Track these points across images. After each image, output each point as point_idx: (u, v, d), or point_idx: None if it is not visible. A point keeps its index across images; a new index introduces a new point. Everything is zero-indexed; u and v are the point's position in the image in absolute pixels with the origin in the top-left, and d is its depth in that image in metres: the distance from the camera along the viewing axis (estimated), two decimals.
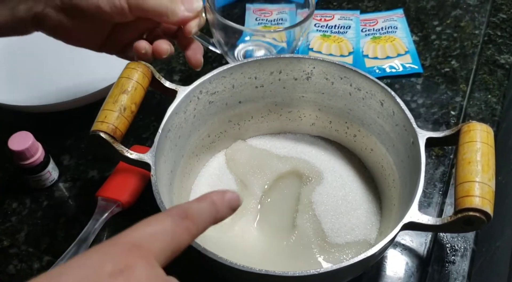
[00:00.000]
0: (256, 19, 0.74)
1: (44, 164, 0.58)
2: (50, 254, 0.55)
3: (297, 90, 0.58)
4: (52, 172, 0.60)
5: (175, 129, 0.52)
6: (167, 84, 0.53)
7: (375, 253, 0.42)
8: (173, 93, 0.53)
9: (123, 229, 0.57)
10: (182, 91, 0.53)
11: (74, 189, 0.61)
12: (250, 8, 0.80)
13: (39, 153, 0.58)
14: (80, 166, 0.63)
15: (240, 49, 0.69)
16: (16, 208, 0.59)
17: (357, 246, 0.52)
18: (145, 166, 0.47)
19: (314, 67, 0.56)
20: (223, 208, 0.36)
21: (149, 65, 0.52)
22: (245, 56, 0.68)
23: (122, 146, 0.48)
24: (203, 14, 0.55)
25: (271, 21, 0.74)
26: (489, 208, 0.41)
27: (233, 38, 0.66)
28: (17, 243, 0.56)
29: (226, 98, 0.57)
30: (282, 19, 0.74)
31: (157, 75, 0.53)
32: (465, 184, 0.42)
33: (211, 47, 0.67)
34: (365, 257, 0.41)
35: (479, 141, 0.44)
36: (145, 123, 0.67)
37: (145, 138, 0.65)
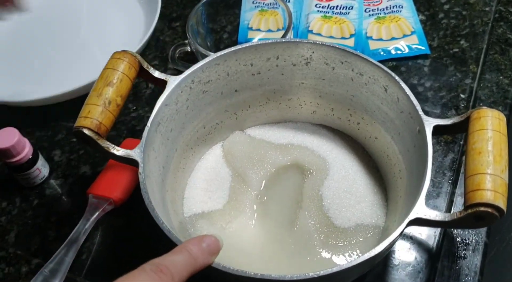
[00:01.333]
0: (253, 2, 0.70)
1: (32, 161, 0.56)
2: (40, 256, 0.53)
3: (296, 77, 0.55)
4: (42, 169, 0.58)
5: (166, 121, 0.49)
6: (156, 74, 0.50)
7: (378, 253, 0.39)
8: (163, 84, 0.50)
9: (116, 228, 0.55)
10: (173, 81, 0.49)
11: (65, 186, 0.59)
12: None
13: (27, 150, 0.55)
14: (72, 162, 0.60)
15: None
16: (5, 208, 0.57)
17: (362, 242, 0.49)
18: (133, 163, 0.45)
19: (313, 52, 0.52)
20: (201, 256, 0.37)
21: (136, 54, 0.49)
22: None
23: (108, 143, 0.45)
24: None
25: (268, 5, 0.70)
26: (502, 203, 0.37)
27: None
28: (6, 245, 0.54)
29: (220, 87, 0.54)
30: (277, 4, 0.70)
31: (145, 64, 0.50)
32: (475, 177, 0.38)
33: None
34: (368, 257, 0.38)
35: (490, 129, 0.41)
36: (138, 114, 0.64)
37: (139, 131, 0.62)
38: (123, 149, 0.45)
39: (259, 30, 0.69)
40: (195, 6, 0.63)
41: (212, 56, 0.51)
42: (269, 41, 0.52)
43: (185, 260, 0.36)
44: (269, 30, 0.69)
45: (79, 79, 0.61)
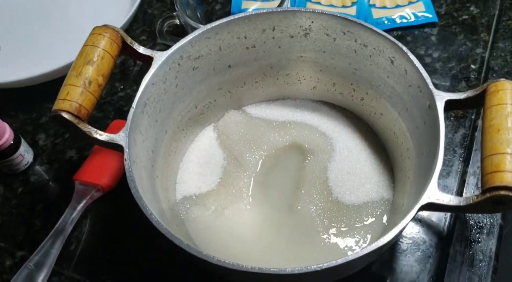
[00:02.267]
0: None
1: (14, 147, 0.52)
2: (25, 248, 0.50)
3: (294, 49, 0.51)
4: (25, 154, 0.54)
5: (154, 102, 0.46)
6: (141, 50, 0.46)
7: (386, 242, 0.35)
8: (149, 60, 0.46)
9: (104, 215, 0.52)
10: (159, 57, 0.45)
11: (51, 172, 0.55)
12: None
13: (7, 135, 0.51)
14: (57, 146, 0.57)
15: None
16: None
17: (368, 227, 0.46)
18: (118, 148, 0.41)
19: (312, 22, 0.48)
20: None
21: (119, 29, 0.45)
22: None
23: (90, 127, 0.41)
24: None
25: None
26: None
27: None
28: None
29: (212, 62, 0.50)
30: None
31: (128, 40, 0.45)
32: (494, 157, 0.35)
33: None
34: (375, 248, 0.35)
35: (510, 103, 0.37)
36: (126, 94, 0.60)
37: (127, 111, 0.58)
38: (106, 134, 0.41)
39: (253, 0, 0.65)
40: None
41: (202, 28, 0.47)
42: (264, 11, 0.48)
43: None
44: (264, 0, 0.64)
45: (62, 57, 0.57)
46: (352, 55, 0.48)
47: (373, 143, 0.51)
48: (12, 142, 0.52)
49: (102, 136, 0.41)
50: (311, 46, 0.50)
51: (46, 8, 0.69)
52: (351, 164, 0.49)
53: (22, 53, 0.65)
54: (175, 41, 0.56)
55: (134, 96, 0.58)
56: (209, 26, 0.47)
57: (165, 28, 0.58)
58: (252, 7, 0.64)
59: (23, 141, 0.54)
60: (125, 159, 0.40)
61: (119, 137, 0.41)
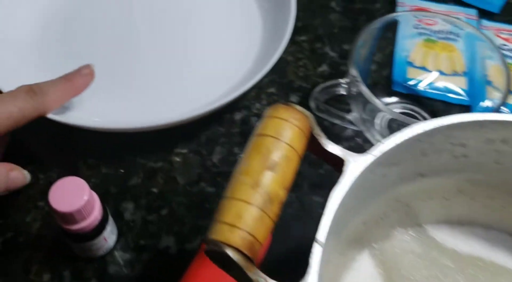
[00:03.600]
0: (415, 27, 0.51)
1: (98, 229, 0.37)
2: None
3: None
4: (108, 237, 0.39)
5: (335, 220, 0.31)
6: (330, 147, 0.31)
7: None
8: (337, 163, 0.31)
9: None
10: (353, 163, 0.30)
11: (137, 266, 0.40)
12: (404, 3, 0.56)
13: (95, 214, 0.36)
14: (150, 225, 0.42)
15: (383, 115, 0.45)
16: None
17: None
18: None
19: None
20: (80, 79, 0.42)
21: (308, 114, 0.30)
22: (389, 126, 0.45)
23: (262, 274, 0.26)
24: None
25: (439, 33, 0.50)
26: None
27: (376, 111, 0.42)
28: None
29: (405, 169, 0.35)
30: (453, 33, 0.50)
31: (315, 130, 0.31)
32: None
33: (345, 125, 0.45)
34: None
35: None
36: None
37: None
38: None
39: (424, 69, 0.50)
40: (368, 25, 0.43)
41: (415, 128, 0.32)
42: (507, 118, 0.33)
43: (60, 82, 0.41)
44: (441, 72, 0.49)
45: (171, 107, 0.43)
46: None
47: None
48: (98, 222, 0.37)
49: None
50: None
51: (163, 45, 0.52)
52: None
53: (125, 92, 0.48)
54: (331, 115, 0.42)
55: None
56: (426, 126, 0.32)
57: (324, 98, 0.43)
58: (424, 80, 0.49)
59: (110, 220, 0.39)
60: None
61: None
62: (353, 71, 0.40)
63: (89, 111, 0.45)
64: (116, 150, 0.46)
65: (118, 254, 0.40)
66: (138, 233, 0.41)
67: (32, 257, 0.40)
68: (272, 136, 0.28)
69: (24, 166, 0.43)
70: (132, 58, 0.50)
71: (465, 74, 0.48)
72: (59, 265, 0.40)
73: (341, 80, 0.42)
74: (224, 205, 0.26)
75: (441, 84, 0.48)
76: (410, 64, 0.50)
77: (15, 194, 0.43)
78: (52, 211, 0.35)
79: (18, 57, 0.49)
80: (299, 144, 0.29)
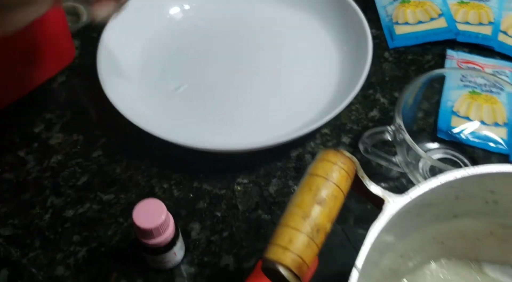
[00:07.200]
0: (461, 80, 0.55)
1: (171, 244, 0.44)
2: None
3: None
4: (178, 252, 0.45)
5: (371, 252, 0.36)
6: (373, 188, 0.36)
7: None
8: (378, 202, 0.36)
9: None
10: (392, 203, 0.35)
11: (200, 279, 0.46)
12: (453, 57, 0.61)
13: (169, 231, 0.43)
14: (212, 245, 0.48)
15: (425, 160, 0.49)
16: None
17: None
18: None
19: None
20: None
21: (354, 158, 0.35)
22: (431, 169, 0.50)
23: None
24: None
25: (483, 86, 0.54)
26: None
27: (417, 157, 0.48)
28: None
29: (440, 210, 0.40)
30: (496, 87, 0.54)
31: (360, 172, 0.36)
32: None
33: (391, 167, 0.51)
34: None
35: None
36: None
37: None
38: None
39: (467, 118, 0.54)
40: (417, 78, 0.49)
41: (449, 175, 0.37)
42: None
43: None
44: (482, 122, 0.53)
45: (245, 133, 0.50)
46: None
47: None
48: (170, 240, 0.43)
49: None
50: None
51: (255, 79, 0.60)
52: None
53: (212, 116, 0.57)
54: (378, 157, 0.47)
55: None
56: (458, 174, 0.37)
57: (372, 142, 0.48)
58: (467, 129, 0.53)
59: (180, 237, 0.45)
60: None
61: None
62: (398, 120, 0.45)
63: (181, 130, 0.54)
64: (185, 177, 0.53)
65: (184, 268, 0.47)
66: (202, 251, 0.48)
67: (111, 265, 0.47)
68: (322, 176, 0.34)
69: (107, 188, 0.51)
70: (229, 88, 0.59)
71: (506, 125, 0.52)
72: (134, 274, 0.46)
73: (388, 127, 0.47)
74: (279, 231, 0.32)
75: (482, 133, 0.53)
76: (455, 113, 0.54)
77: (100, 212, 0.50)
78: (134, 227, 0.42)
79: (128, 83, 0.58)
80: (345, 185, 0.34)
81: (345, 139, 0.55)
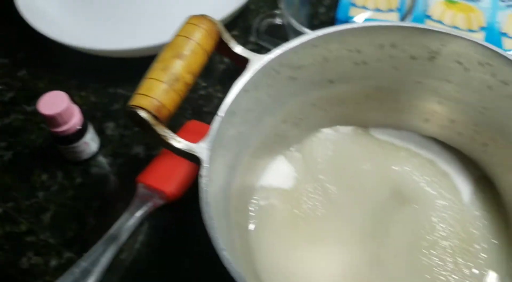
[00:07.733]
0: None
1: (80, 133, 0.48)
2: (74, 248, 0.45)
3: (412, 73, 0.43)
4: (90, 143, 0.49)
5: (243, 112, 0.39)
6: (237, 49, 0.40)
7: None
8: (244, 62, 0.39)
9: (164, 227, 0.46)
10: (257, 61, 0.39)
11: (113, 167, 0.50)
12: None
13: (75, 120, 0.47)
14: (125, 139, 0.52)
15: None
16: (46, 182, 0.49)
17: None
18: (194, 159, 0.35)
19: (442, 45, 0.40)
20: None
21: (217, 21, 0.39)
22: None
23: (167, 130, 0.35)
24: None
25: None
26: None
27: None
28: (39, 228, 0.46)
29: (313, 74, 0.43)
30: None
31: (225, 35, 0.39)
32: None
33: None
34: None
35: None
36: (208, 93, 0.54)
37: (206, 113, 0.53)
38: (184, 141, 0.35)
39: (364, 7, 0.57)
40: None
41: (311, 35, 0.40)
42: (388, 24, 0.40)
43: None
44: (378, 10, 0.56)
45: (143, 37, 0.52)
46: (485, 92, 0.40)
47: (497, 210, 0.42)
48: (79, 127, 0.47)
49: (179, 143, 0.35)
50: (435, 73, 0.42)
51: None
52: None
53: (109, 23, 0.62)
54: (272, 43, 0.49)
55: (217, 97, 0.54)
56: (319, 32, 0.40)
57: (264, 27, 0.51)
58: (361, 16, 0.56)
59: (90, 128, 0.49)
60: (201, 175, 0.34)
61: (199, 149, 0.35)
62: (281, 5, 0.48)
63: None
64: (102, 86, 0.56)
65: (99, 159, 0.50)
66: (115, 144, 0.51)
67: (34, 163, 0.51)
68: (184, 36, 0.37)
69: (30, 101, 0.54)
70: None
71: (398, 9, 0.55)
72: (53, 168, 0.50)
73: (275, 12, 0.50)
74: (141, 83, 0.35)
75: (377, 19, 0.56)
76: (353, 4, 0.57)
77: (24, 121, 0.54)
78: (42, 117, 0.45)
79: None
80: (206, 43, 0.38)
81: (252, 38, 0.58)
